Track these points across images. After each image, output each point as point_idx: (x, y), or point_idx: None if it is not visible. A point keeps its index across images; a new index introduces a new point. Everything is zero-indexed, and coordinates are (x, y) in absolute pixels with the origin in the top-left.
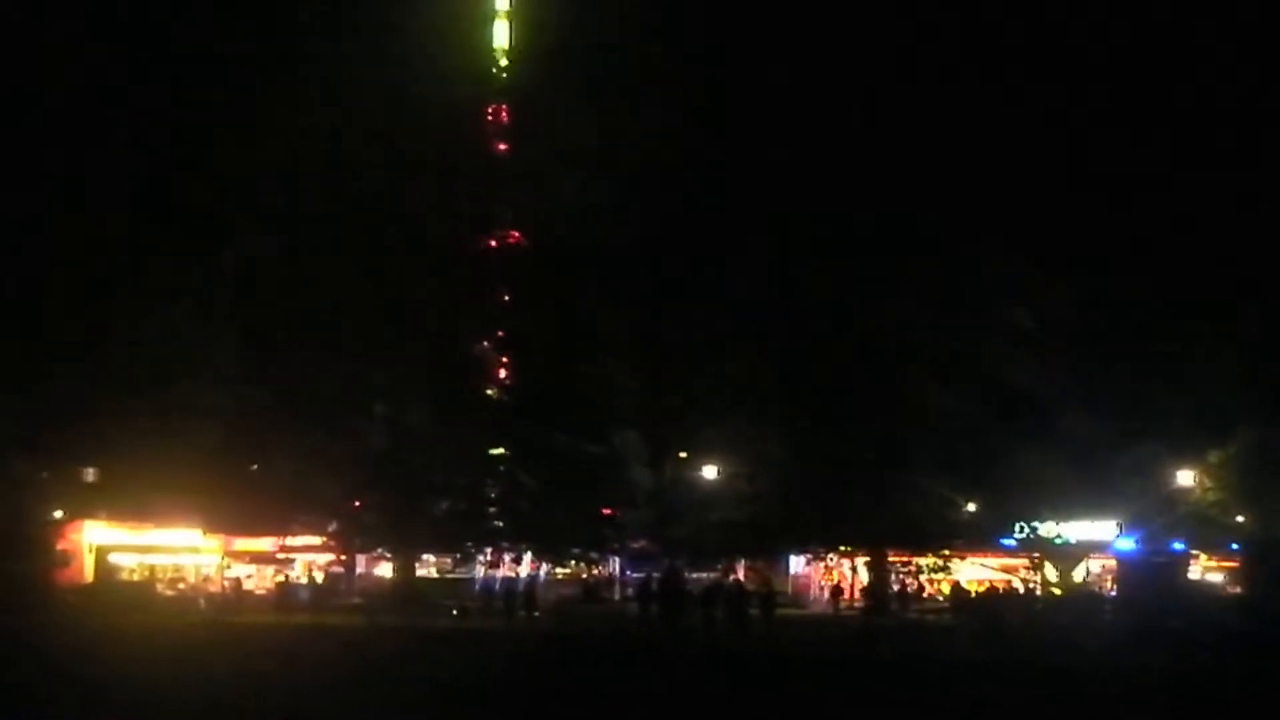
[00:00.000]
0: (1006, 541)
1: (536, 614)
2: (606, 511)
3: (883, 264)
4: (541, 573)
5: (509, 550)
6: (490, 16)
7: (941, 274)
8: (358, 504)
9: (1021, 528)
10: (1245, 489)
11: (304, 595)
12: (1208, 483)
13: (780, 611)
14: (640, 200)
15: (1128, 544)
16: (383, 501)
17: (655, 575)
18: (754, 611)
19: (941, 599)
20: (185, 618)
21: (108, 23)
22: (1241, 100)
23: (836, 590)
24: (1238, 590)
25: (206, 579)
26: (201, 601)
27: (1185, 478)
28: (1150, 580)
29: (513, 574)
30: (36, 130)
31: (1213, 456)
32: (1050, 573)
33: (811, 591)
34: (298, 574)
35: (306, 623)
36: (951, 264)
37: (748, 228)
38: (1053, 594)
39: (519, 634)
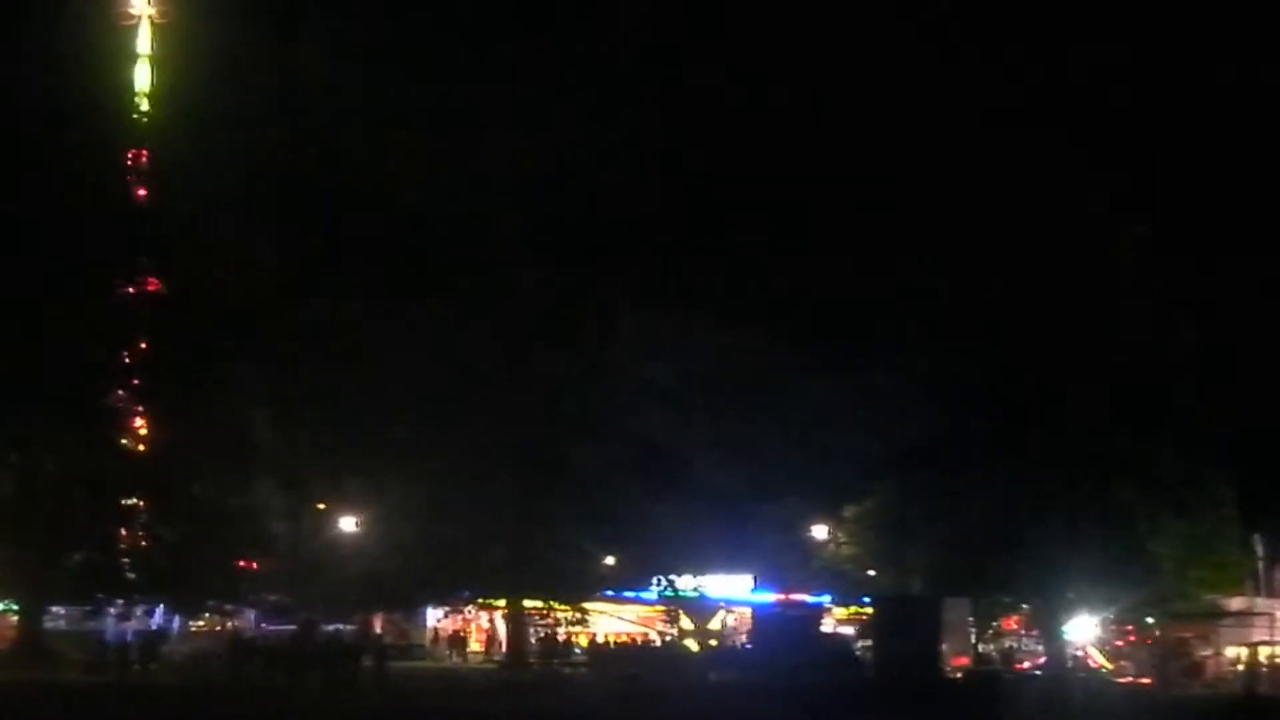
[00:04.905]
0: (645, 594)
1: (153, 667)
2: (243, 563)
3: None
4: (175, 625)
5: (142, 602)
6: (131, 58)
7: (580, 328)
8: None
9: (659, 580)
10: (878, 544)
11: None
12: (842, 537)
13: (415, 664)
14: (284, 250)
15: (763, 597)
16: (11, 553)
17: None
18: (369, 663)
19: (579, 651)
20: None
21: None
22: (888, 162)
23: (456, 639)
24: (868, 642)
25: None
26: None
27: (820, 532)
28: (785, 633)
29: (144, 627)
30: None
31: (847, 512)
32: (687, 625)
33: (448, 643)
34: None
35: None
36: (591, 317)
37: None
38: (689, 647)
39: (129, 688)
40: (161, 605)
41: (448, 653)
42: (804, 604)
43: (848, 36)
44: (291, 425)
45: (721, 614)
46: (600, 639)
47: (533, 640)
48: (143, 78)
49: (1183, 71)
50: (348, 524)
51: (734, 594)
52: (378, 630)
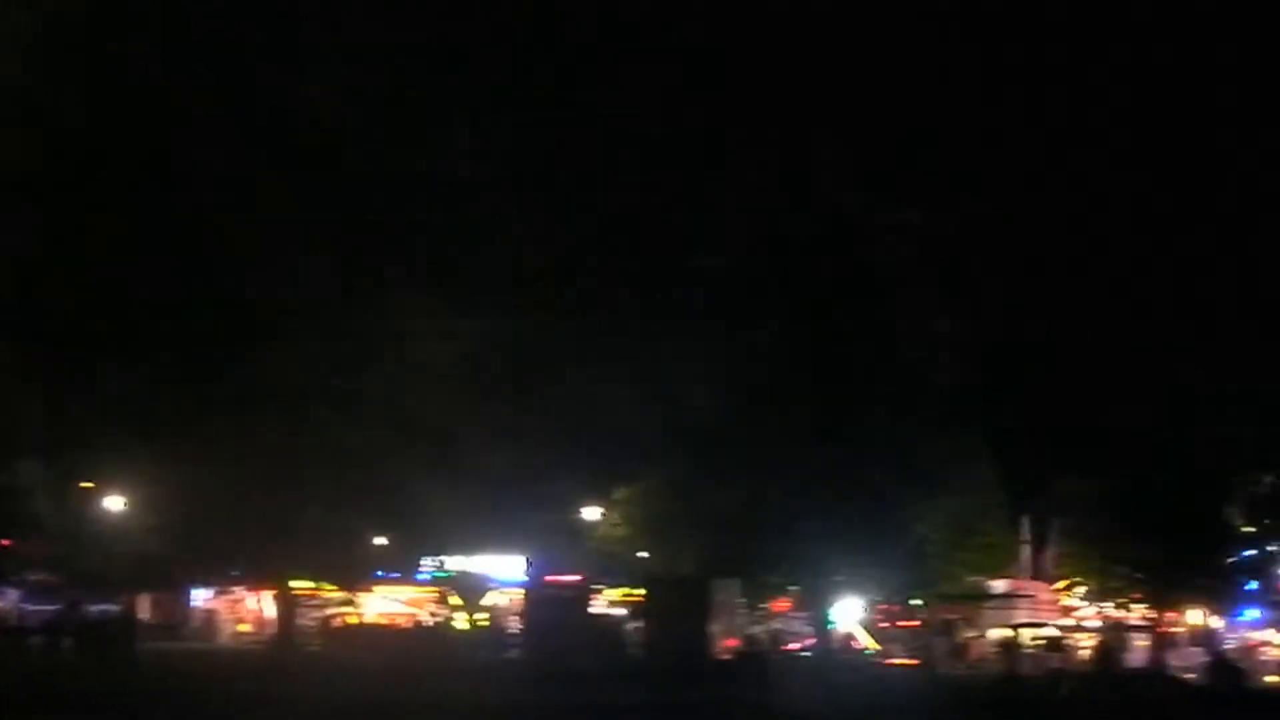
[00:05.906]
0: (419, 575)
1: None
2: (3, 542)
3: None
4: None
5: None
6: None
7: (348, 307)
8: None
9: (430, 561)
10: (648, 525)
11: None
12: (615, 518)
13: (176, 645)
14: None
15: (534, 578)
16: None
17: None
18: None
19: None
20: None
21: None
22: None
23: (217, 620)
24: (640, 624)
25: None
26: None
27: (593, 513)
28: (554, 615)
29: None
30: None
31: (620, 493)
32: (457, 606)
33: (216, 625)
34: None
35: None
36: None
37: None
38: (458, 628)
39: None
40: None
41: (213, 633)
42: (573, 585)
43: None
44: (54, 402)
45: (493, 595)
46: (369, 620)
47: (304, 621)
48: None
49: (966, 60)
50: (114, 503)
51: (506, 575)
52: (143, 611)
